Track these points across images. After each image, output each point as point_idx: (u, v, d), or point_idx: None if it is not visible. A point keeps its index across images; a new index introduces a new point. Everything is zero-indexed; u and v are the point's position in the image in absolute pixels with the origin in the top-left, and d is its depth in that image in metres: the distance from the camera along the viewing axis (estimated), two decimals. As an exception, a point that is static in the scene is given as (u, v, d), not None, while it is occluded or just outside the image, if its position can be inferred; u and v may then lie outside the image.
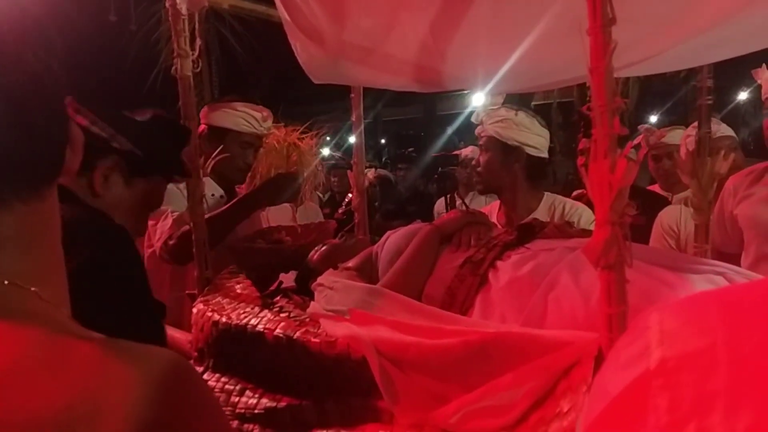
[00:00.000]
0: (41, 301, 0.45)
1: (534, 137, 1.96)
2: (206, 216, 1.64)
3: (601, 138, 0.81)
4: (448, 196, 2.63)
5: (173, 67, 1.47)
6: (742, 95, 9.31)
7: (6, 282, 0.44)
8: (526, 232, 1.32)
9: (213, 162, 1.84)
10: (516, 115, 1.95)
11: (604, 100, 0.81)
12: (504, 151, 1.96)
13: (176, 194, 1.75)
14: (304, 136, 2.25)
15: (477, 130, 2.04)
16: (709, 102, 1.44)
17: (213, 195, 1.98)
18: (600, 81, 0.81)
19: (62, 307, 0.48)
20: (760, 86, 1.83)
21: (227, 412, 1.23)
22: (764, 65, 1.79)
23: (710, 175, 1.42)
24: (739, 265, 1.92)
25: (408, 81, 1.50)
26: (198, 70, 1.45)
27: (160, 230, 1.80)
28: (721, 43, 1.15)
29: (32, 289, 0.45)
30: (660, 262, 1.13)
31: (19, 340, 0.40)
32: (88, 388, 0.37)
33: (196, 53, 1.45)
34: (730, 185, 1.96)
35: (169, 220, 1.78)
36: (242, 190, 2.17)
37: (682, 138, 2.33)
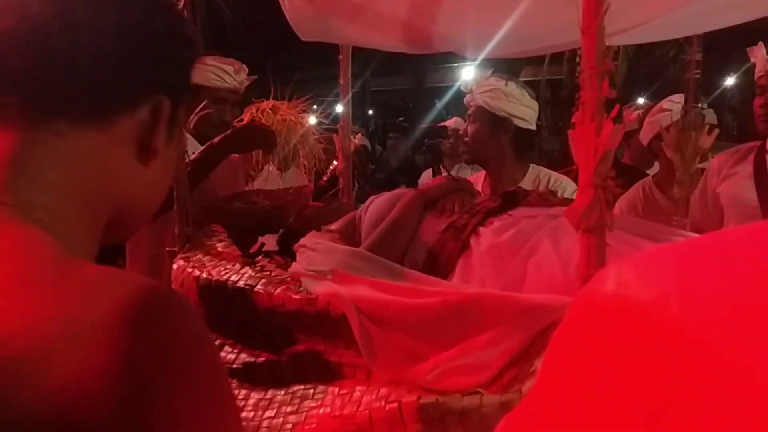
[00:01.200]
0: (42, 229, 0.45)
1: (523, 108, 1.95)
2: None
3: (589, 100, 0.81)
4: (434, 168, 2.64)
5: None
6: (729, 80, 9.38)
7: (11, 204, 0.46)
8: (510, 200, 1.33)
9: (195, 118, 1.80)
10: (506, 85, 1.93)
11: (593, 62, 0.81)
12: (492, 121, 1.94)
13: None
14: (294, 107, 2.19)
15: (466, 99, 2.02)
16: (697, 76, 1.45)
17: (193, 153, 1.95)
18: (591, 42, 0.81)
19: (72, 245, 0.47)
20: (749, 69, 1.84)
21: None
22: (759, 43, 1.79)
23: (693, 149, 1.43)
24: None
25: (397, 41, 1.48)
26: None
27: None
28: (715, 11, 1.15)
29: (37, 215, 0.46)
30: (639, 232, 1.15)
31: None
32: (69, 304, 0.37)
33: (181, 4, 1.41)
34: (715, 163, 1.99)
35: None
36: None
37: (648, 116, 2.33)
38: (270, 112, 2.05)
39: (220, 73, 1.97)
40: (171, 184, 1.56)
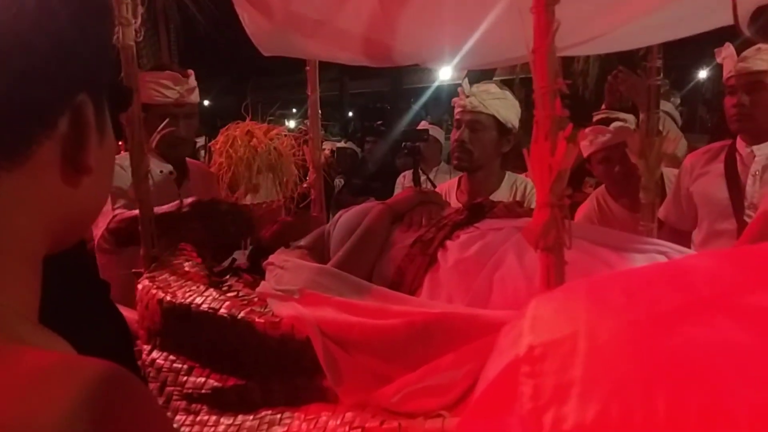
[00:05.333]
0: None
1: (516, 118, 1.95)
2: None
3: (542, 120, 0.81)
4: (413, 171, 2.62)
5: (114, 36, 1.40)
6: (702, 74, 9.51)
7: None
8: (476, 212, 1.33)
9: (157, 137, 1.77)
10: (507, 94, 1.93)
11: (545, 81, 0.80)
12: (500, 131, 1.92)
13: (119, 173, 1.69)
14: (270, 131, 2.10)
15: (460, 103, 1.94)
16: (658, 83, 1.46)
17: (161, 172, 1.92)
18: (542, 61, 0.80)
19: (22, 311, 0.43)
20: (721, 65, 1.86)
21: (175, 393, 1.21)
22: (727, 44, 1.81)
23: (657, 155, 1.44)
24: (690, 241, 1.98)
25: (358, 55, 1.47)
26: (140, 39, 1.38)
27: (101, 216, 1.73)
28: (670, 23, 1.15)
29: None
30: (604, 242, 1.15)
31: None
32: (16, 406, 0.34)
33: (139, 21, 1.38)
34: (687, 163, 2.01)
35: (109, 206, 1.72)
36: (194, 164, 2.11)
37: (581, 135, 2.16)
38: (245, 137, 1.97)
39: (158, 88, 1.87)
40: (133, 203, 1.54)
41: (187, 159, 2.10)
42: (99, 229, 1.75)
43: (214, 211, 1.64)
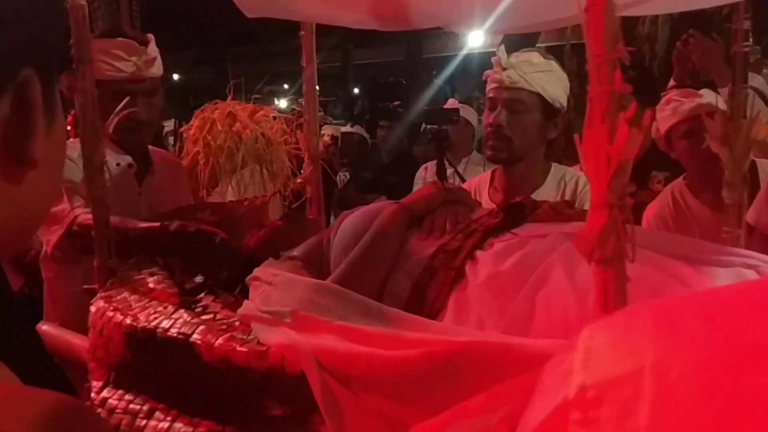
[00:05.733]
0: None
1: (565, 96, 1.94)
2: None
3: (598, 97, 0.80)
4: (437, 162, 2.61)
5: None
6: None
7: None
8: (514, 215, 1.32)
9: (115, 120, 1.78)
10: (554, 65, 1.91)
11: (602, 49, 0.80)
12: (545, 113, 1.91)
13: (69, 166, 1.70)
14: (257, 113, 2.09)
15: (495, 78, 1.92)
16: (746, 49, 1.44)
17: (118, 164, 1.93)
18: (598, 23, 0.80)
19: None
20: None
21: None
22: (501, 46, 1.81)
23: (745, 142, 1.43)
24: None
25: (366, 16, 1.47)
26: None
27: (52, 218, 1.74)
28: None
29: None
30: (678, 253, 1.14)
31: None
32: None
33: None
34: None
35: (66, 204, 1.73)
36: (159, 154, 2.13)
37: (660, 105, 2.18)
38: (226, 121, 1.95)
39: (109, 59, 1.84)
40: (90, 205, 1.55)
41: (150, 148, 2.11)
42: (54, 235, 1.76)
43: (207, 244, 1.65)
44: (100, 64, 1.81)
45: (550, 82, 1.90)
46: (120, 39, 1.89)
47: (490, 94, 1.95)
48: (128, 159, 1.96)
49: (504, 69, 1.89)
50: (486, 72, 1.97)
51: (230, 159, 1.87)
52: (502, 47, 1.90)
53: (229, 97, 1.98)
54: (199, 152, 1.90)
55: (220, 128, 1.89)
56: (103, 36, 1.92)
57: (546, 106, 1.90)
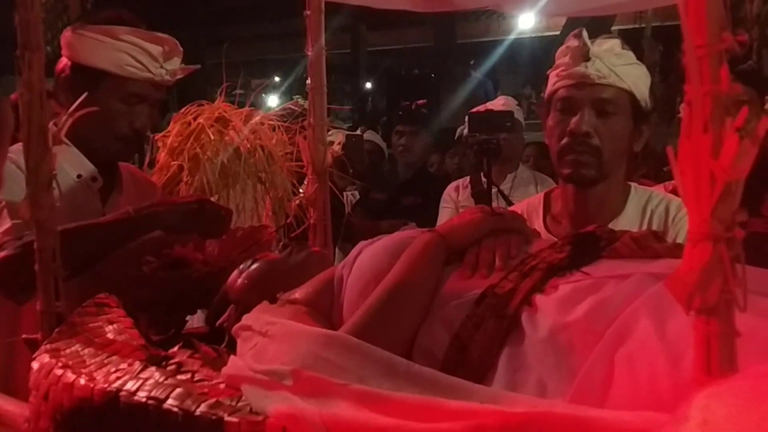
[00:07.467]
0: None
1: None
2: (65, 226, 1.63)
3: (698, 100, 0.81)
4: (483, 179, 2.61)
5: None
6: None
7: None
8: (586, 248, 1.33)
9: (74, 120, 1.81)
10: (633, 55, 1.92)
11: (704, 37, 0.81)
12: (635, 115, 1.92)
13: (15, 174, 1.73)
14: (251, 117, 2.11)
15: (576, 72, 1.88)
16: None
17: (80, 176, 1.96)
18: (699, 4, 0.81)
19: None
20: None
21: None
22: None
23: None
24: None
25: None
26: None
27: None
28: None
29: None
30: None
31: None
32: None
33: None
34: None
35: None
36: (128, 170, 2.16)
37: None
38: (216, 128, 1.97)
39: (140, 55, 1.94)
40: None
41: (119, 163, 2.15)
42: None
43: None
44: (122, 56, 1.92)
45: (641, 77, 1.91)
46: (159, 35, 1.99)
47: (564, 93, 1.92)
48: (92, 170, 2.00)
49: (587, 60, 1.86)
50: (559, 60, 1.95)
51: (222, 176, 1.89)
52: (585, 32, 1.87)
53: (220, 98, 2.01)
54: (182, 166, 1.93)
55: (212, 137, 1.92)
56: (127, 24, 2.00)
57: (637, 109, 1.91)
